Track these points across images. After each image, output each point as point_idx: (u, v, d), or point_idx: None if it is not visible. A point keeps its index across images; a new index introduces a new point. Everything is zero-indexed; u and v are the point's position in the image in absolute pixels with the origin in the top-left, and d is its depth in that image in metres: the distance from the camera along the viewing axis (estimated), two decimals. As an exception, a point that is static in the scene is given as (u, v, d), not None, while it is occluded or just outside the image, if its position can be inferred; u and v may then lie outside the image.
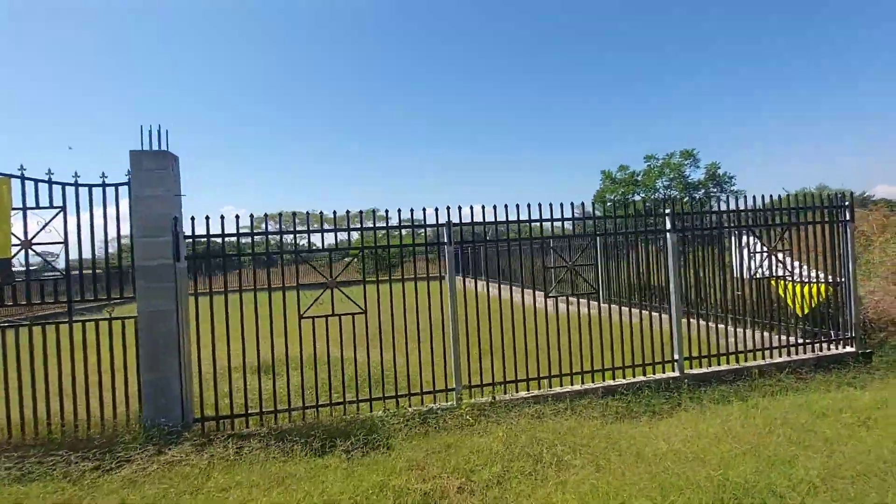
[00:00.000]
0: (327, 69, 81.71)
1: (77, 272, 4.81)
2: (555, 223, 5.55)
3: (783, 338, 6.26)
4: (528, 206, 5.43)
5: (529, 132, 70.79)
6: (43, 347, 4.63)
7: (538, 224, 5.50)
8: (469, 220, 5.35)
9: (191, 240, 4.78)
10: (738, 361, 5.94)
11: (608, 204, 5.21)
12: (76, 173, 4.66)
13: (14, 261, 4.52)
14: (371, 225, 5.07)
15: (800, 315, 6.33)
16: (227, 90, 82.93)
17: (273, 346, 4.87)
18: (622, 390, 5.32)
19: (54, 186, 4.62)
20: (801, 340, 6.18)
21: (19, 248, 4.54)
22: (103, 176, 4.71)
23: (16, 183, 4.52)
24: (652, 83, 62.80)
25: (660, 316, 6.29)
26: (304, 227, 4.94)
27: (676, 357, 5.75)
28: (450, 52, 76.27)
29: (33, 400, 4.58)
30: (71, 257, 4.73)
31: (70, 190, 4.66)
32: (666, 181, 30.51)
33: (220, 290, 4.89)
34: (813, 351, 6.14)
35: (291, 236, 4.98)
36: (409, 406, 4.99)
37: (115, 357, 4.62)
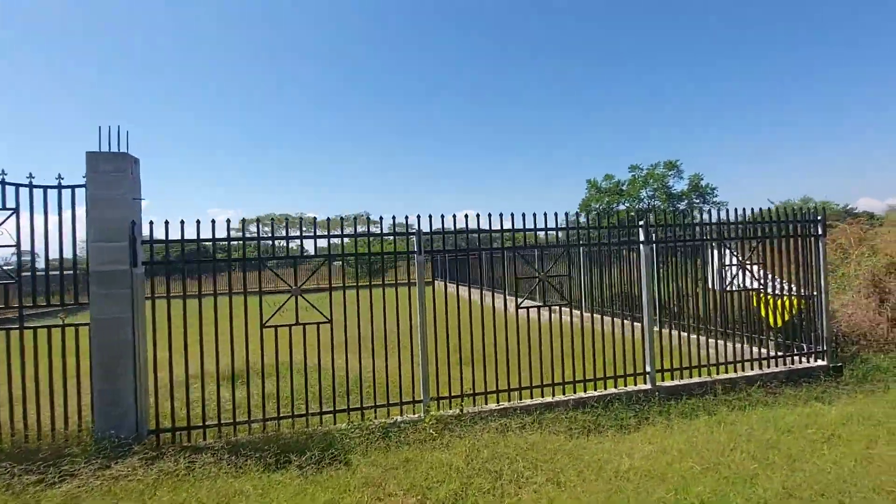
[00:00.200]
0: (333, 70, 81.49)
1: (30, 277, 4.64)
2: (528, 233, 5.50)
3: (755, 350, 6.25)
4: (500, 215, 5.37)
5: (515, 139, 71.31)
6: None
7: (513, 233, 5.44)
8: (440, 229, 5.26)
9: (149, 244, 4.63)
10: (709, 374, 5.91)
11: (585, 215, 5.14)
12: (31, 174, 4.51)
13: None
14: (338, 232, 4.96)
15: (774, 327, 6.33)
16: (222, 95, 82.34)
17: (233, 356, 4.74)
18: (593, 403, 5.25)
19: (7, 187, 4.46)
20: (773, 353, 6.17)
21: (-32, 251, 4.37)
22: (59, 178, 4.56)
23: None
24: (642, 95, 63.51)
25: (641, 326, 6.22)
26: (269, 234, 4.82)
27: (648, 369, 5.70)
28: (423, 60, 76.43)
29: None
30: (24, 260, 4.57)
31: (25, 191, 4.50)
32: (650, 191, 30.82)
33: (182, 295, 4.75)
34: (784, 364, 6.13)
35: (264, 242, 4.86)
36: (375, 418, 4.87)
37: (67, 366, 4.45)
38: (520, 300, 5.42)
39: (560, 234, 5.58)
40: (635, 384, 5.68)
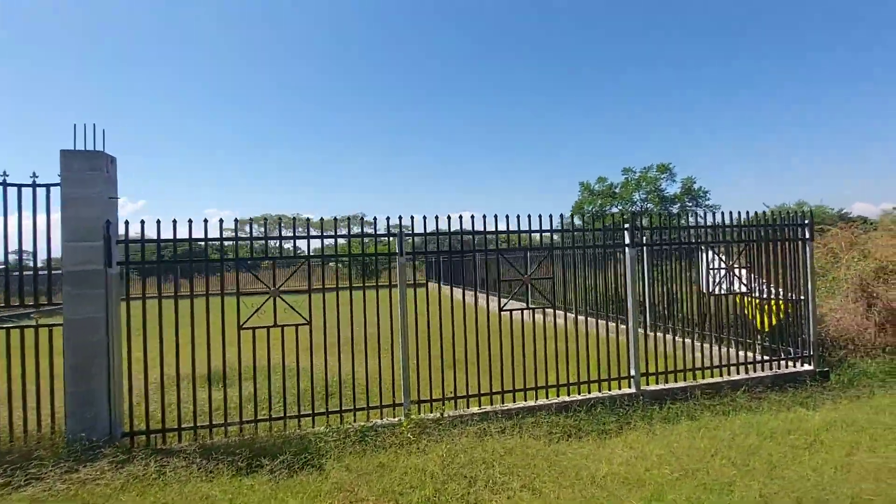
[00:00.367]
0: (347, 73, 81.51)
1: (3, 276, 4.56)
2: (512, 235, 5.45)
3: (741, 354, 6.20)
4: (484, 217, 5.32)
5: (508, 140, 71.51)
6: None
7: (497, 235, 5.39)
8: (422, 231, 5.21)
9: (125, 245, 4.56)
10: (694, 378, 5.86)
11: (570, 217, 5.06)
12: (4, 172, 4.44)
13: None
14: (317, 233, 4.90)
15: (762, 331, 6.29)
16: (221, 95, 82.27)
17: (209, 358, 4.67)
18: (576, 407, 5.19)
19: (-20, 186, 4.40)
20: (760, 358, 6.12)
21: (-62, 249, 4.30)
22: (34, 176, 4.49)
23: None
24: (640, 97, 63.67)
25: (626, 329, 6.17)
26: (246, 234, 4.76)
27: (633, 373, 5.65)
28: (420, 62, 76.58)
29: None
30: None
31: (-2, 189, 4.44)
32: (643, 194, 30.83)
33: (157, 296, 4.67)
34: (771, 368, 6.08)
35: (246, 242, 4.80)
36: (355, 422, 4.80)
37: (41, 367, 4.38)
38: (503, 302, 5.36)
39: (546, 236, 5.52)
40: (619, 388, 5.62)
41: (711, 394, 5.52)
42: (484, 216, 5.30)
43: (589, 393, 5.50)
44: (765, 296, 6.25)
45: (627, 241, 5.76)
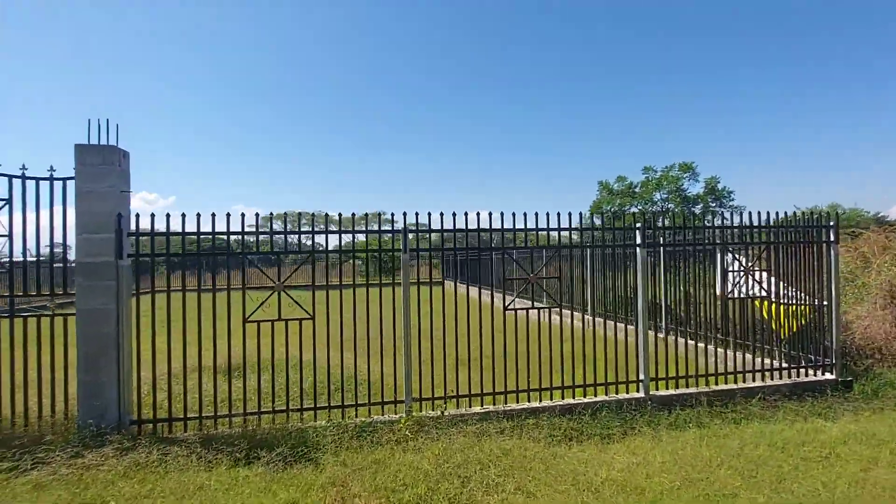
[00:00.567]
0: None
1: (22, 266, 4.72)
2: (519, 233, 5.37)
3: (758, 360, 5.97)
4: (490, 214, 5.26)
5: (527, 138, 70.88)
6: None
7: (503, 233, 5.32)
8: (426, 227, 5.18)
9: (136, 237, 4.67)
10: (707, 384, 5.67)
11: (579, 216, 4.99)
12: (24, 165, 4.60)
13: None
14: (322, 228, 4.92)
15: (782, 337, 6.04)
16: (250, 94, 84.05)
17: (215, 351, 4.74)
18: (580, 410, 5.08)
19: (1, 178, 4.57)
20: (777, 364, 5.88)
21: (-38, 240, 4.49)
22: (51, 169, 4.64)
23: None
24: (666, 98, 62.14)
25: (635, 332, 6.02)
26: (252, 229, 4.81)
27: (642, 377, 5.50)
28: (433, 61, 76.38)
29: None
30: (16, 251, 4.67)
31: (17, 182, 4.60)
32: (664, 194, 30.01)
33: (166, 289, 4.78)
34: (789, 376, 5.83)
35: (254, 237, 4.87)
36: (356, 417, 4.81)
37: (56, 354, 4.53)
38: (508, 301, 5.28)
39: (561, 235, 5.41)
40: (627, 392, 5.48)
41: (724, 401, 5.33)
42: (490, 214, 5.24)
43: (595, 396, 5.38)
44: (785, 300, 5.99)
45: (639, 241, 5.61)
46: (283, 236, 5.10)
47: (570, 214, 5.39)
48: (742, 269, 5.87)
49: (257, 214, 4.83)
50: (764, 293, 5.97)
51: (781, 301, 5.99)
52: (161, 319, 4.55)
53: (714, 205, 29.23)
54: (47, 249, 4.71)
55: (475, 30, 74.16)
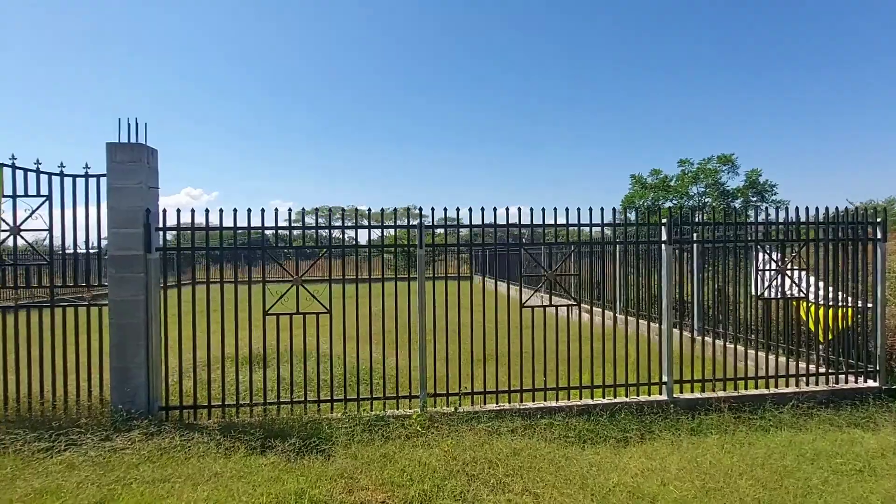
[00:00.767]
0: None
1: (60, 259, 5.01)
2: (535, 228, 5.26)
3: (794, 364, 5.64)
4: (507, 209, 5.18)
5: (558, 131, 69.51)
6: (27, 331, 4.84)
7: (520, 229, 5.24)
8: (442, 222, 5.15)
9: (162, 231, 4.87)
10: (736, 388, 5.41)
11: (601, 211, 4.85)
12: (62, 164, 4.87)
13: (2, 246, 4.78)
14: (339, 224, 4.98)
15: (819, 341, 5.69)
16: (285, 94, 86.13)
17: (237, 342, 4.89)
18: (599, 411, 4.95)
19: (41, 175, 4.85)
20: (813, 369, 5.54)
21: (8, 234, 4.80)
22: (86, 167, 4.89)
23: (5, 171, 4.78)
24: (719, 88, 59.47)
25: (659, 331, 5.80)
26: (272, 224, 4.93)
27: (665, 379, 5.31)
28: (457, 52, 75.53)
29: (32, 378, 4.76)
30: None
31: (56, 179, 4.87)
32: (701, 187, 28.65)
33: (191, 281, 4.97)
34: (827, 383, 5.49)
35: (273, 231, 5.00)
36: (372, 410, 4.88)
37: (91, 342, 4.80)
38: (525, 299, 5.20)
39: (581, 230, 5.28)
40: (649, 394, 5.31)
41: (754, 407, 5.07)
42: (507, 209, 5.17)
43: (615, 397, 5.23)
44: (826, 301, 5.63)
45: (664, 237, 5.39)
46: (300, 231, 5.17)
47: (590, 210, 5.25)
48: (778, 267, 5.55)
49: (276, 210, 4.95)
50: (802, 293, 5.63)
51: (821, 302, 5.64)
52: (188, 311, 4.75)
53: (755, 199, 27.67)
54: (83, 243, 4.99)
55: (504, 22, 73.07)
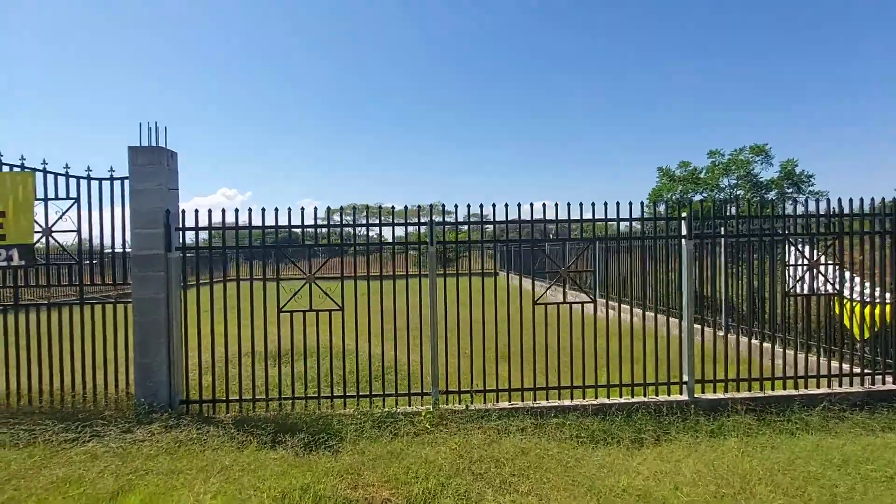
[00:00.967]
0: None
1: (88, 258, 5.24)
2: (547, 224, 5.16)
3: (825, 363, 5.34)
4: (518, 205, 5.10)
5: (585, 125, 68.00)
6: (59, 327, 5.10)
7: (532, 225, 5.15)
8: (454, 220, 5.13)
9: (181, 231, 5.03)
10: (762, 388, 5.17)
11: (616, 205, 4.75)
12: (88, 167, 5.09)
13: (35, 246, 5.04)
14: (351, 221, 5.02)
15: (854, 339, 5.37)
16: (314, 93, 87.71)
17: (253, 339, 5.02)
18: (615, 411, 4.82)
19: (70, 179, 5.08)
20: (847, 369, 5.23)
21: (41, 235, 5.05)
22: (111, 170, 5.09)
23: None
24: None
25: (679, 328, 5.59)
26: (286, 223, 5.01)
27: (686, 378, 5.12)
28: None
29: (64, 372, 5.01)
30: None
31: (83, 183, 5.10)
32: (732, 179, 27.45)
33: (209, 281, 5.11)
34: (862, 384, 5.17)
35: (288, 230, 5.09)
36: (384, 407, 4.91)
37: (118, 338, 5.01)
38: (538, 296, 5.11)
39: (605, 225, 5.15)
40: (669, 394, 5.13)
41: (780, 408, 4.83)
42: (518, 204, 5.08)
43: (632, 397, 5.09)
44: (863, 298, 5.30)
45: (684, 232, 5.19)
46: (313, 229, 5.24)
47: (605, 204, 5.10)
48: (810, 262, 5.26)
49: (290, 209, 5.01)
50: (835, 289, 5.32)
51: (857, 298, 5.31)
52: (207, 309, 4.90)
53: (791, 191, 26.28)
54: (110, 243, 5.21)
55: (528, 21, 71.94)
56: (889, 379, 5.21)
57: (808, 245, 5.36)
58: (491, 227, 5.41)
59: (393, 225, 5.08)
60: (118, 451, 3.90)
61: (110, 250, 5.18)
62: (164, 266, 4.92)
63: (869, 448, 3.95)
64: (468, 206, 5.27)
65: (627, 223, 5.33)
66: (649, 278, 8.12)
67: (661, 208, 5.44)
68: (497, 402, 5.03)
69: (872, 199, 5.30)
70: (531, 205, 5.21)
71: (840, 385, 5.18)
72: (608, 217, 5.14)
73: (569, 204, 5.06)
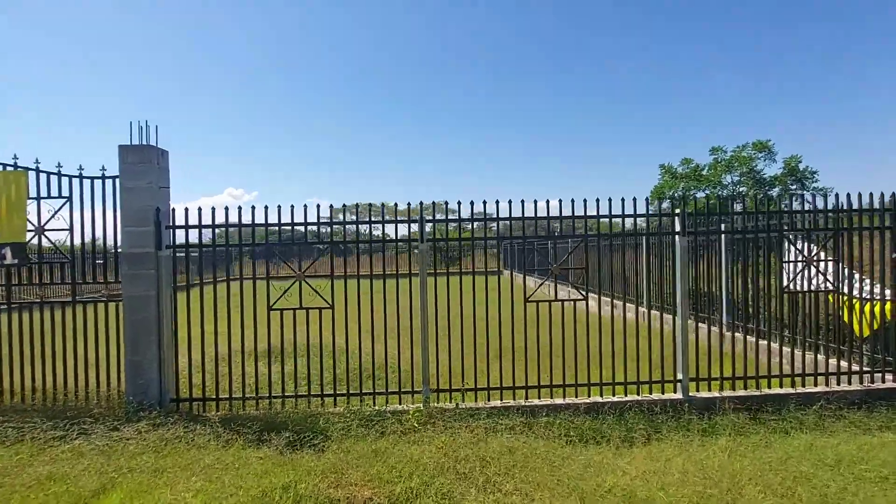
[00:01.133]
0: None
1: (80, 257, 5.26)
2: (539, 221, 5.11)
3: (823, 360, 5.25)
4: (510, 202, 5.04)
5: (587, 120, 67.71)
6: (51, 325, 5.11)
7: (524, 221, 5.10)
8: (444, 217, 5.09)
9: (171, 230, 5.03)
10: (758, 387, 5.09)
11: (608, 201, 4.69)
12: (80, 166, 5.11)
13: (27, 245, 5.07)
14: (341, 219, 5.00)
15: (853, 336, 5.27)
16: (325, 92, 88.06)
17: (243, 338, 5.01)
18: (607, 409, 4.77)
19: (62, 178, 5.10)
20: (847, 367, 5.13)
21: (33, 233, 5.08)
22: (103, 169, 5.10)
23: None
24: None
25: (673, 326, 5.52)
26: (275, 221, 4.99)
27: (680, 377, 5.05)
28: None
29: (57, 371, 5.04)
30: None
31: (76, 181, 5.11)
32: (735, 176, 27.18)
33: (199, 281, 5.12)
34: (861, 382, 5.07)
35: (280, 228, 5.08)
36: (374, 405, 4.88)
37: (110, 337, 5.03)
38: (529, 294, 5.06)
39: (576, 222, 5.10)
40: (663, 393, 5.06)
41: (776, 407, 4.75)
42: (510, 201, 5.03)
43: (625, 395, 5.02)
44: (863, 295, 5.20)
45: (678, 228, 5.12)
46: (303, 227, 5.22)
47: (597, 201, 5.04)
48: (807, 258, 5.16)
49: (279, 207, 5.00)
50: (836, 286, 5.22)
51: (855, 295, 5.21)
52: (197, 309, 4.90)
53: (794, 187, 25.97)
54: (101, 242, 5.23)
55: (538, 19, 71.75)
56: (889, 377, 5.10)
57: (808, 241, 5.27)
58: (491, 225, 5.35)
59: (383, 223, 5.04)
60: (104, 449, 3.90)
61: (102, 249, 5.19)
62: (154, 264, 4.92)
63: (864, 447, 3.86)
64: (471, 202, 5.22)
65: (621, 220, 5.27)
66: (644, 275, 8.03)
67: (666, 205, 5.37)
68: (489, 400, 4.99)
69: (871, 195, 5.20)
70: (522, 202, 5.16)
71: (839, 383, 5.08)
72: (600, 214, 5.07)
73: (560, 201, 5.02)
